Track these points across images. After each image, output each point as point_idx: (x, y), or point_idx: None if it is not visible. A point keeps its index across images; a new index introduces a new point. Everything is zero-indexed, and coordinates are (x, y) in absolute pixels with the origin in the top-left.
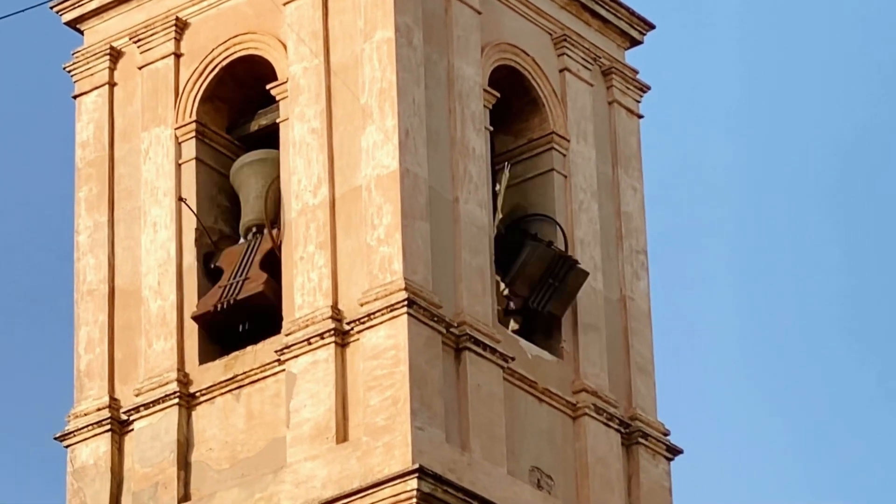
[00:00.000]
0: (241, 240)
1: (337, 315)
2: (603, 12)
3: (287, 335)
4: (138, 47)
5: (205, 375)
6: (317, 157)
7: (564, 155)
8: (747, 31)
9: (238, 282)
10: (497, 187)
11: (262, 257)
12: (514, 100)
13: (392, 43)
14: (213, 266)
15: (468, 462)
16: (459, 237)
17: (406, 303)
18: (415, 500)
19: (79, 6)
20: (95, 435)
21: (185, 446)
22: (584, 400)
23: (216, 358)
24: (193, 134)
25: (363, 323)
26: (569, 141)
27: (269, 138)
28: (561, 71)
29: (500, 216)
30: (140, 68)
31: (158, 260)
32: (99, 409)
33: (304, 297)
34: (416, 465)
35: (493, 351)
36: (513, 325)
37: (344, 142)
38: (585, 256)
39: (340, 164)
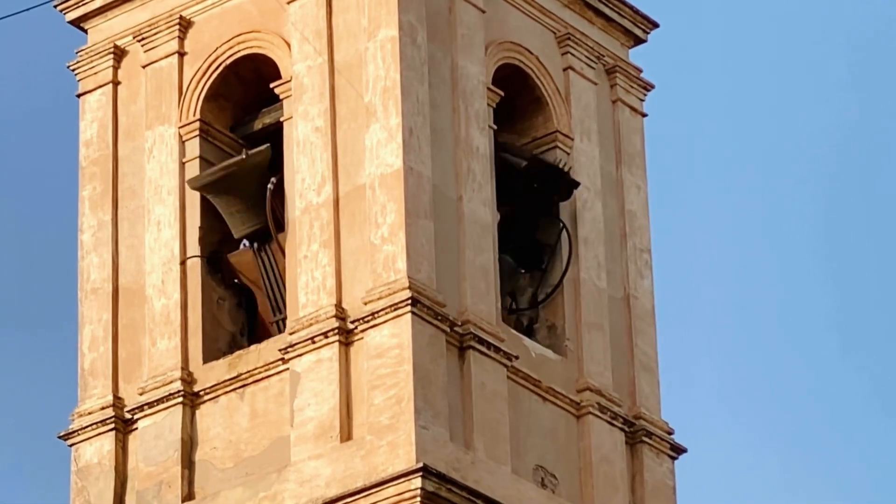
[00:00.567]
0: (244, 244)
1: (341, 314)
2: (607, 11)
3: (291, 334)
4: (142, 46)
5: (209, 374)
6: (320, 156)
7: (568, 153)
8: (750, 29)
9: (283, 318)
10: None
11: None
12: (517, 98)
13: (396, 41)
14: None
15: (472, 461)
16: (463, 236)
17: (410, 301)
18: (419, 498)
19: (82, 5)
20: (99, 434)
21: (189, 445)
22: (588, 398)
23: (220, 357)
24: (197, 132)
25: (367, 322)
26: (573, 139)
27: (273, 136)
28: (565, 69)
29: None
30: (144, 67)
31: (162, 258)
32: (103, 408)
33: (307, 295)
34: (420, 464)
35: (497, 349)
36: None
37: (348, 140)
38: (589, 255)
39: (344, 162)
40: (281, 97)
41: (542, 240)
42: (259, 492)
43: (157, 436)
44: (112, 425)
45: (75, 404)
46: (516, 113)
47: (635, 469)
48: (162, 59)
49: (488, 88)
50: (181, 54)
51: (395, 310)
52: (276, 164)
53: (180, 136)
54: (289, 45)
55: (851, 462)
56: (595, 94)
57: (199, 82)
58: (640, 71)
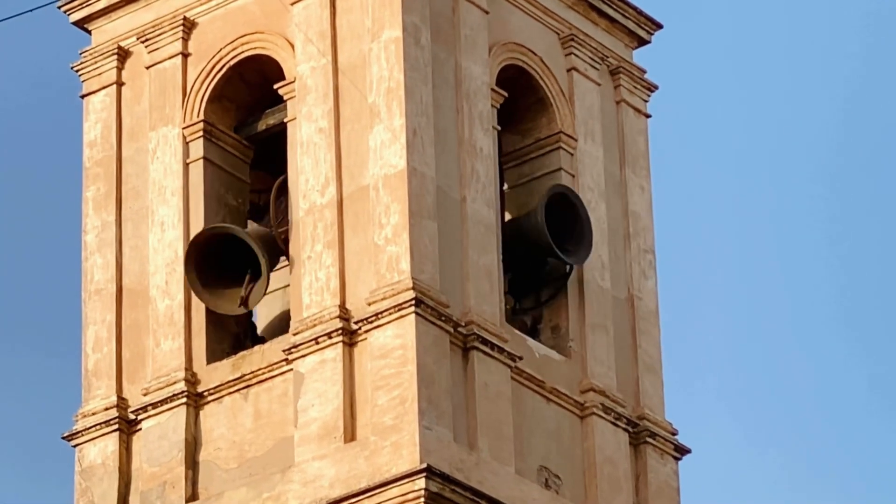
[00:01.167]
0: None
1: (345, 314)
2: (610, 12)
3: (295, 334)
4: (146, 47)
5: (212, 375)
6: (324, 157)
7: (572, 154)
8: (754, 30)
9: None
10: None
11: None
12: (521, 99)
13: (400, 42)
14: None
15: (476, 461)
16: (467, 236)
17: (414, 302)
18: (422, 499)
19: (86, 6)
20: (103, 434)
21: (192, 445)
22: (592, 399)
23: (224, 357)
24: (201, 133)
25: (371, 322)
26: (576, 140)
27: (277, 138)
28: (568, 70)
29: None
30: (148, 68)
31: (166, 259)
32: (107, 409)
33: (311, 296)
34: (424, 465)
35: (501, 350)
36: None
37: (351, 141)
38: (593, 255)
39: (348, 163)
40: (285, 98)
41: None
42: (263, 492)
43: (160, 436)
44: (116, 426)
45: (79, 405)
46: (520, 114)
47: (639, 469)
48: (166, 60)
49: (492, 89)
50: (185, 55)
51: (399, 310)
52: (280, 164)
53: (184, 137)
54: (292, 46)
55: (855, 463)
56: (599, 94)
57: (202, 83)
58: (644, 72)
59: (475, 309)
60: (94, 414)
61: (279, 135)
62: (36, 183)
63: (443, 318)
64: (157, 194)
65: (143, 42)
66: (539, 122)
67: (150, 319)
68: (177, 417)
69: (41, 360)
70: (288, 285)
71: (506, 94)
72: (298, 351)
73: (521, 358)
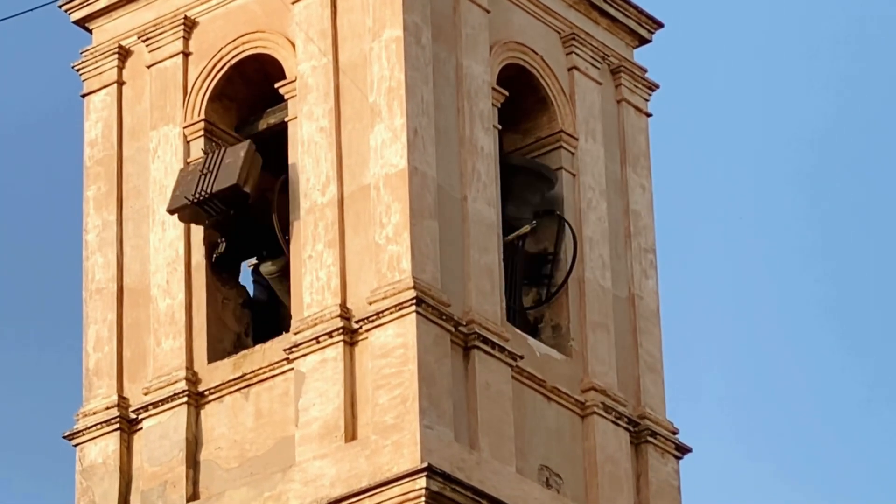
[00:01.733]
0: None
1: (345, 314)
2: (611, 11)
3: (296, 334)
4: (147, 46)
5: (213, 374)
6: (325, 156)
7: (573, 153)
8: (755, 28)
9: (213, 171)
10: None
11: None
12: (522, 98)
13: (400, 41)
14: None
15: (477, 461)
16: (468, 236)
17: (415, 301)
18: (423, 498)
19: (87, 5)
20: (104, 433)
21: (193, 445)
22: (593, 398)
23: (225, 356)
24: (202, 132)
25: (372, 321)
26: (577, 139)
27: (278, 137)
28: (569, 69)
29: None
30: (149, 67)
31: (167, 258)
32: (108, 408)
33: (312, 295)
34: (425, 464)
35: (502, 349)
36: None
37: (352, 140)
38: (594, 255)
39: (349, 162)
40: (285, 97)
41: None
42: (264, 492)
43: (161, 436)
44: (117, 425)
45: (80, 404)
46: (521, 113)
47: (640, 469)
48: (166, 59)
49: (493, 88)
50: (186, 54)
51: (400, 309)
52: (281, 164)
53: (185, 137)
54: (293, 46)
55: (854, 462)
56: (600, 93)
57: (203, 82)
58: (645, 71)
59: (476, 308)
60: (94, 413)
61: (280, 134)
62: (37, 182)
63: (444, 318)
64: (158, 193)
65: (143, 41)
66: (540, 121)
67: (151, 318)
68: (178, 417)
69: (42, 359)
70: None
71: (507, 93)
72: (299, 350)
73: (521, 357)
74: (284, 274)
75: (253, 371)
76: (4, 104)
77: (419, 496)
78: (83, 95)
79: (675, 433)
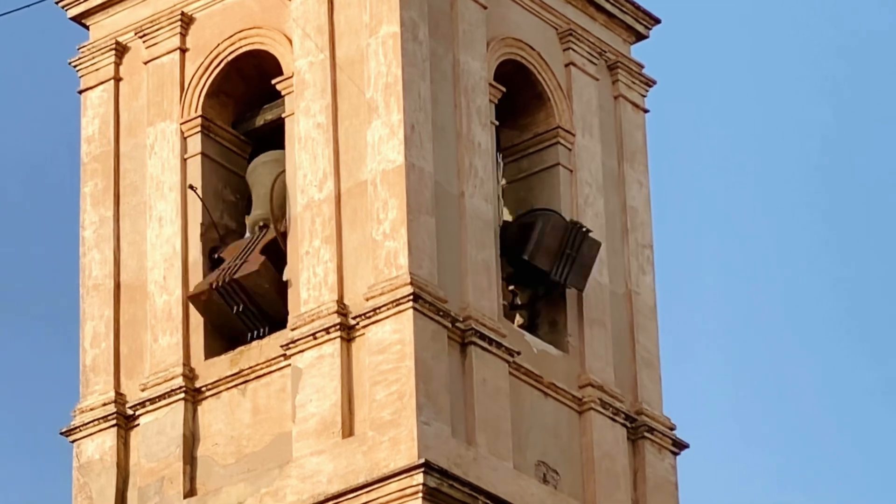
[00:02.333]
0: (248, 234)
1: (342, 310)
2: (608, 7)
3: (293, 330)
4: (144, 42)
5: (210, 370)
6: (322, 152)
7: (570, 149)
8: (752, 24)
9: (236, 264)
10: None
11: (264, 245)
12: (519, 94)
13: (397, 38)
14: (216, 257)
15: (474, 456)
16: (465, 232)
17: (412, 297)
18: (421, 494)
19: (84, 1)
20: (101, 430)
21: (190, 441)
22: (590, 394)
23: (222, 353)
24: (199, 129)
25: (369, 318)
26: (574, 135)
27: (275, 133)
28: (566, 65)
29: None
30: (146, 63)
31: (164, 255)
32: (105, 404)
33: (309, 291)
34: (422, 460)
35: (499, 345)
36: (518, 319)
37: (349, 136)
38: None
39: (346, 158)
40: (282, 93)
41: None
42: (261, 488)
43: (158, 432)
44: (114, 421)
45: (77, 400)
46: (518, 109)
47: (637, 465)
48: (163, 55)
49: (490, 84)
50: (183, 50)
51: (397, 306)
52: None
53: (182, 133)
54: (290, 42)
55: (854, 458)
56: (597, 89)
57: (200, 78)
58: (642, 67)
59: (473, 304)
60: (91, 409)
61: (277, 130)
62: (34, 178)
63: (441, 314)
64: (155, 190)
65: (140, 37)
66: (537, 117)
67: (148, 315)
68: (175, 413)
69: (39, 356)
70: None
71: (504, 89)
72: (296, 346)
73: (519, 353)
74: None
75: (250, 367)
76: (1, 100)
77: (416, 492)
78: (80, 92)
79: (672, 429)
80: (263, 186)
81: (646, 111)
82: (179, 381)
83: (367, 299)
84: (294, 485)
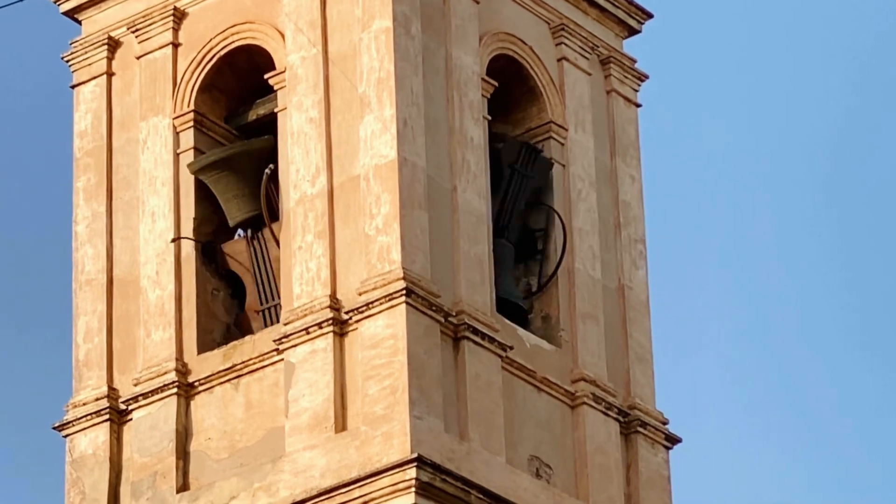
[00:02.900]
0: (238, 234)
1: (335, 304)
2: (601, 1)
3: (286, 324)
4: (136, 37)
5: (203, 365)
6: (315, 147)
7: (563, 144)
8: (745, 19)
9: (274, 305)
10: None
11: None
12: (512, 89)
13: (390, 32)
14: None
15: (467, 451)
16: (458, 226)
17: (404, 292)
18: (413, 489)
19: None
20: (94, 425)
21: (183, 436)
22: (583, 389)
23: (214, 347)
24: (191, 123)
25: (361, 312)
26: (567, 130)
27: (267, 127)
28: (559, 60)
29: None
30: (138, 58)
31: (157, 250)
32: (98, 399)
33: (302, 286)
34: (415, 455)
35: (492, 340)
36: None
37: (342, 131)
38: (584, 245)
39: (338, 153)
40: (275, 88)
41: (533, 227)
42: (254, 482)
43: (151, 426)
44: (107, 416)
45: (70, 395)
46: (510, 103)
47: (630, 459)
48: (156, 50)
49: (482, 79)
50: (175, 45)
51: (390, 300)
52: (272, 154)
53: (174, 127)
54: (283, 36)
55: (846, 450)
56: (589, 84)
57: (193, 73)
58: (635, 61)
59: (466, 299)
60: (84, 404)
61: (269, 125)
62: (26, 173)
63: (433, 308)
64: (148, 184)
65: (133, 32)
66: (529, 111)
67: (141, 310)
68: (168, 408)
69: (32, 351)
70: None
71: (496, 84)
72: (289, 341)
73: (511, 348)
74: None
75: (243, 362)
76: None
77: (409, 486)
78: (73, 86)
79: (664, 423)
80: (230, 189)
81: (638, 106)
82: (172, 376)
83: (360, 294)
84: (287, 479)
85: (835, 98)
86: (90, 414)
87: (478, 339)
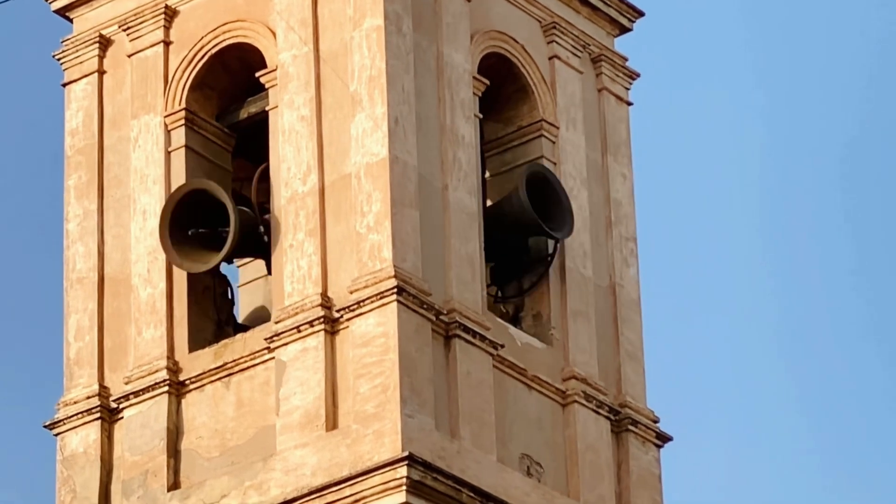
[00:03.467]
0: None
1: (326, 303)
2: (592, 0)
3: (277, 323)
4: (127, 35)
5: (194, 363)
6: (306, 145)
7: (554, 142)
8: (736, 17)
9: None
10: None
11: None
12: (503, 87)
13: (381, 30)
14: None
15: (458, 449)
16: (449, 224)
17: (395, 290)
18: (404, 487)
19: None
20: (85, 423)
21: (174, 434)
22: (574, 387)
23: (206, 346)
24: (183, 122)
25: (353, 310)
26: (558, 128)
27: (259, 126)
28: (550, 58)
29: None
30: (129, 56)
31: (148, 248)
32: (89, 397)
33: (293, 284)
34: (406, 453)
35: (483, 338)
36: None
37: (333, 129)
38: (575, 243)
39: (330, 151)
40: (266, 86)
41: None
42: (245, 480)
43: (142, 425)
44: (98, 414)
45: (61, 393)
46: (502, 102)
47: (621, 457)
48: (147, 48)
49: (474, 77)
50: (166, 43)
51: (381, 298)
52: (262, 153)
53: (166, 126)
54: (274, 35)
55: (838, 449)
56: (580, 82)
57: (184, 71)
58: (626, 60)
59: (457, 297)
60: (75, 402)
61: (261, 123)
62: (17, 171)
63: (425, 307)
64: (139, 183)
65: (124, 30)
66: (521, 110)
67: (132, 308)
68: (159, 406)
69: (23, 349)
70: (267, 274)
71: (487, 82)
72: (280, 339)
73: (502, 346)
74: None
75: (234, 360)
76: None
77: (400, 485)
78: (64, 84)
79: (655, 422)
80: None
81: (629, 104)
82: (163, 375)
83: (351, 292)
84: (278, 478)
85: (827, 97)
86: (81, 412)
87: (469, 338)
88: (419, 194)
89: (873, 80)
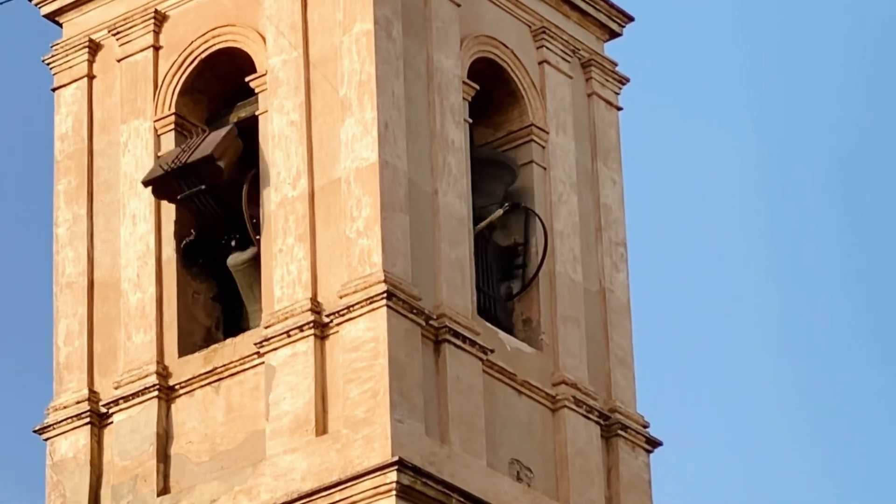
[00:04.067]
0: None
1: (316, 307)
2: (582, 4)
3: (266, 328)
4: (117, 40)
5: (184, 368)
6: (296, 150)
7: (544, 147)
8: (726, 22)
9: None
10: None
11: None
12: (493, 92)
13: (371, 35)
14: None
15: (448, 454)
16: (439, 229)
17: (385, 295)
18: (394, 492)
19: None
20: (75, 428)
21: (164, 439)
22: (564, 392)
23: (195, 350)
24: (173, 126)
25: (342, 315)
26: (548, 133)
27: (248, 131)
28: (540, 63)
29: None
30: (119, 61)
31: (137, 252)
32: (78, 402)
33: (283, 289)
34: (396, 458)
35: (473, 343)
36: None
37: (323, 134)
38: (565, 248)
39: (320, 156)
40: (256, 91)
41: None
42: (234, 486)
43: (132, 430)
44: (87, 419)
45: (50, 398)
46: (491, 106)
47: (611, 462)
48: (137, 52)
49: (463, 82)
50: (156, 48)
51: (371, 303)
52: (251, 157)
53: (155, 130)
54: (264, 39)
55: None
56: (570, 87)
57: (174, 76)
58: (616, 64)
59: (447, 302)
60: (65, 407)
61: (251, 128)
62: (7, 176)
63: (414, 311)
64: (129, 187)
65: (114, 35)
66: (510, 114)
67: (122, 313)
68: (148, 411)
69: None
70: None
71: (477, 87)
72: (270, 344)
73: (492, 351)
74: (253, 267)
75: (223, 365)
76: None
77: (390, 490)
78: (53, 89)
79: (645, 427)
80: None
81: (619, 109)
82: (153, 379)
83: (341, 297)
84: (268, 483)
85: (820, 101)
86: (71, 417)
87: (459, 343)
88: (409, 199)
89: (871, 83)
